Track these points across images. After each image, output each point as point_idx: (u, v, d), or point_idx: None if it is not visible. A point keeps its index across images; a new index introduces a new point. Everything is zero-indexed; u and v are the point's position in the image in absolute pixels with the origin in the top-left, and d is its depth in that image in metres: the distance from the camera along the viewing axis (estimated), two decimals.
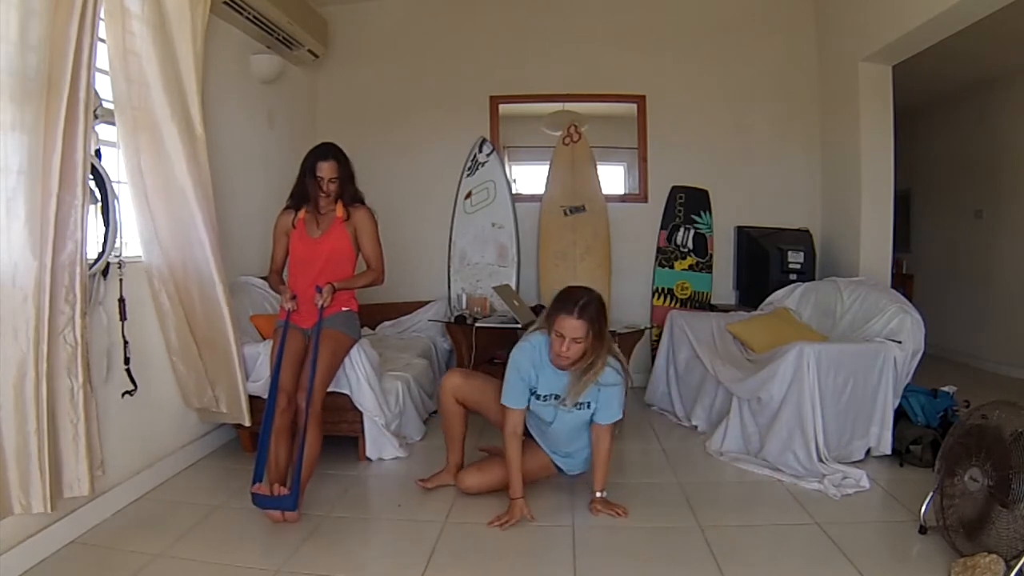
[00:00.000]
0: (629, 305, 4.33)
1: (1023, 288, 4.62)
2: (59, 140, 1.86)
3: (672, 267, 4.34)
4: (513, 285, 4.13)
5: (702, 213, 4.34)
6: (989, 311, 4.96)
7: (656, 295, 4.35)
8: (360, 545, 2.19)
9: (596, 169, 4.30)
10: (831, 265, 4.14)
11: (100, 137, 2.27)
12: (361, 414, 2.85)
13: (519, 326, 3.49)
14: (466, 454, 2.65)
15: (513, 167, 4.61)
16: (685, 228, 4.34)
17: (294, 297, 2.61)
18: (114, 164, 2.44)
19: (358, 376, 2.77)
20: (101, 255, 2.23)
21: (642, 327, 3.91)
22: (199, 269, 2.57)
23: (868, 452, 2.83)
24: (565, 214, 4.29)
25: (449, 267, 4.35)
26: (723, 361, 3.22)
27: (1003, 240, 4.84)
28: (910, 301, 3.09)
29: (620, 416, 2.36)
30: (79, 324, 1.96)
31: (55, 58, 1.85)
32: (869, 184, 3.83)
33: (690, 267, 4.34)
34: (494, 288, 3.80)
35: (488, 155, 4.34)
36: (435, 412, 3.50)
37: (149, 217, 2.49)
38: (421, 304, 4.35)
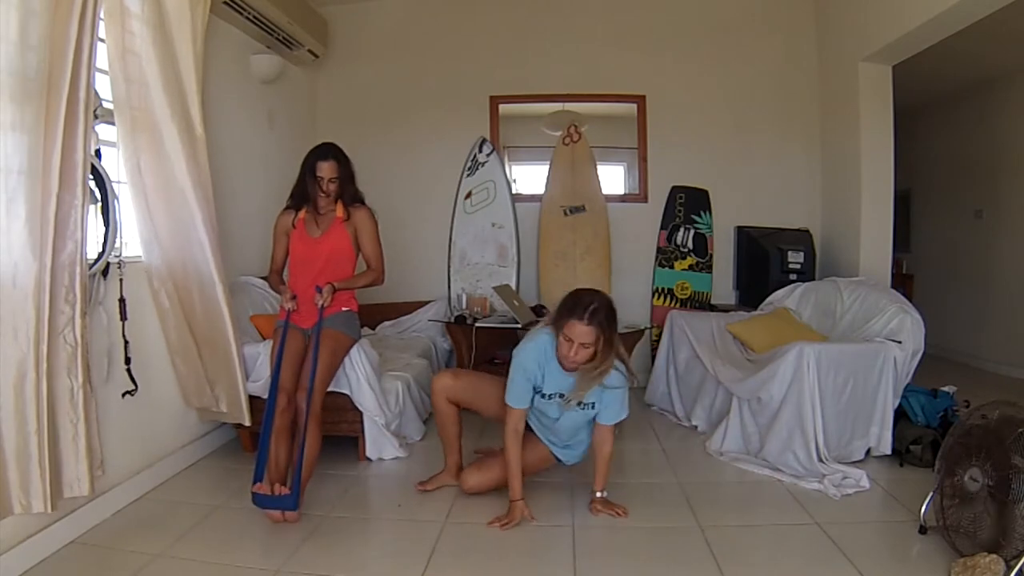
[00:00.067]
0: (629, 305, 4.31)
1: (1023, 288, 4.62)
2: (59, 140, 1.86)
3: (672, 267, 4.34)
4: (513, 285, 4.13)
5: (702, 213, 4.34)
6: (989, 311, 4.96)
7: (656, 295, 4.35)
8: (360, 545, 2.19)
9: (596, 169, 4.30)
10: (831, 265, 4.14)
11: (100, 137, 2.27)
12: (361, 414, 2.85)
13: (519, 326, 3.49)
14: (464, 455, 2.64)
15: (513, 167, 4.61)
16: (685, 228, 4.34)
17: (294, 297, 2.61)
18: (114, 164, 2.44)
19: (358, 376, 2.77)
20: (101, 255, 2.23)
21: (642, 327, 3.91)
22: (199, 269, 2.57)
23: (868, 452, 2.83)
24: (565, 214, 4.29)
25: (449, 267, 4.35)
26: (723, 361, 3.22)
27: (1003, 240, 4.84)
28: (910, 301, 3.09)
29: (625, 415, 2.35)
30: (79, 324, 1.96)
31: (55, 58, 1.85)
32: (869, 184, 3.83)
33: (690, 267, 4.34)
34: (494, 288, 3.80)
35: (488, 155, 4.34)
36: None
37: (149, 217, 2.49)
38: (421, 304, 4.35)
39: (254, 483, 2.28)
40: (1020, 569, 1.71)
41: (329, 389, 2.64)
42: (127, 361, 2.39)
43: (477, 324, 3.71)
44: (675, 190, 4.36)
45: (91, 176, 2.06)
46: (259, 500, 2.26)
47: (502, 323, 3.73)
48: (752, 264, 4.24)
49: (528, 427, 2.42)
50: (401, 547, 2.17)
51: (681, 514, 2.34)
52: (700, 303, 4.33)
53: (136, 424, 2.50)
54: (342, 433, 2.89)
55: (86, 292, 2.03)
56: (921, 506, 2.13)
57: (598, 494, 2.38)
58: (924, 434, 2.79)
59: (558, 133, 4.37)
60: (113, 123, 2.37)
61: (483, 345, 3.74)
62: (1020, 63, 4.42)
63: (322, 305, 2.54)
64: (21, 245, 1.81)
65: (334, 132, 3.61)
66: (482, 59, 4.45)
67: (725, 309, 4.16)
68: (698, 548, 2.08)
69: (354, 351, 2.75)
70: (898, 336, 2.87)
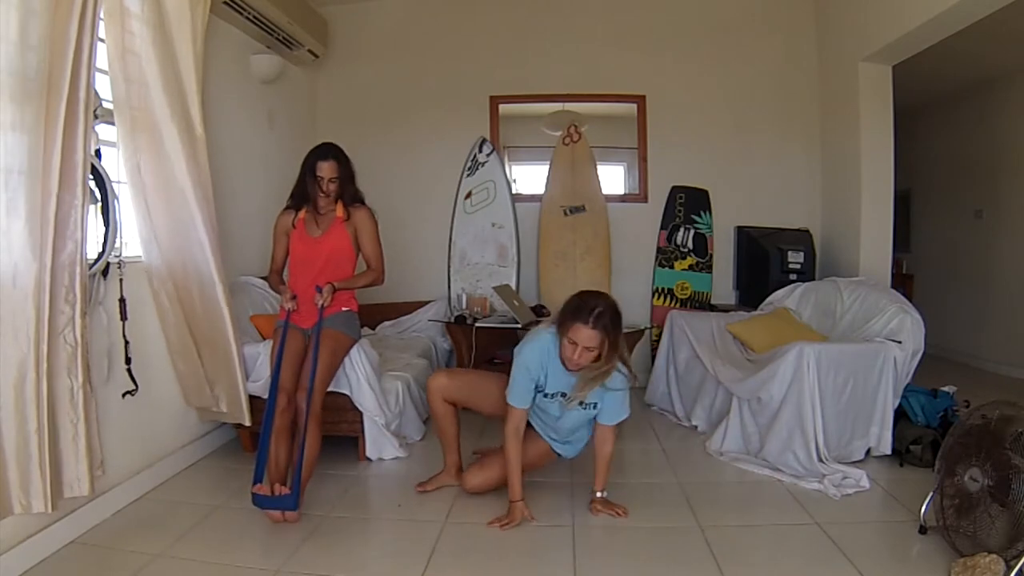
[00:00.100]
0: (629, 305, 4.25)
1: (1023, 288, 4.62)
2: (59, 140, 1.86)
3: (672, 267, 4.34)
4: (513, 285, 4.13)
5: (702, 213, 4.34)
6: (989, 311, 4.96)
7: (656, 295, 4.35)
8: (360, 545, 2.19)
9: (596, 169, 4.30)
10: (831, 265, 4.14)
11: (100, 137, 2.27)
12: (361, 414, 2.85)
13: (519, 326, 3.49)
14: (463, 455, 2.64)
15: (513, 167, 4.61)
16: (685, 228, 4.34)
17: (294, 297, 2.61)
18: (114, 164, 2.44)
19: (358, 376, 2.77)
20: (101, 255, 2.23)
21: (642, 327, 3.91)
22: (199, 269, 2.57)
23: (868, 452, 2.83)
24: (565, 214, 4.29)
25: (449, 267, 4.35)
26: (723, 361, 3.22)
27: (1003, 240, 4.84)
28: (910, 301, 3.09)
29: (626, 415, 2.35)
30: (79, 324, 1.96)
31: (55, 58, 1.85)
32: (869, 184, 3.83)
33: (690, 267, 4.34)
34: (494, 288, 3.80)
35: (488, 155, 4.34)
36: None
37: (149, 217, 2.49)
38: (421, 304, 4.35)
39: (254, 484, 2.28)
40: (1020, 569, 1.71)
41: (329, 389, 2.64)
42: (127, 361, 2.39)
43: (477, 324, 3.71)
44: (675, 190, 4.36)
45: (91, 176, 2.06)
46: (259, 501, 2.26)
47: (502, 323, 3.73)
48: (752, 264, 4.24)
49: (528, 423, 2.41)
50: (401, 547, 2.17)
51: (681, 514, 2.34)
52: (700, 303, 4.33)
53: (136, 424, 2.50)
54: (342, 433, 2.88)
55: (86, 292, 2.03)
56: (921, 506, 2.13)
57: (598, 494, 2.37)
58: (924, 434, 2.80)
59: (558, 133, 4.37)
60: (113, 123, 2.37)
61: (483, 345, 3.74)
62: (1020, 63, 4.42)
63: (322, 305, 2.54)
64: (21, 245, 1.81)
65: (334, 132, 3.61)
66: (482, 59, 4.45)
67: (725, 309, 4.16)
68: (698, 548, 2.08)
69: (354, 351, 2.75)
70: (898, 336, 2.87)
